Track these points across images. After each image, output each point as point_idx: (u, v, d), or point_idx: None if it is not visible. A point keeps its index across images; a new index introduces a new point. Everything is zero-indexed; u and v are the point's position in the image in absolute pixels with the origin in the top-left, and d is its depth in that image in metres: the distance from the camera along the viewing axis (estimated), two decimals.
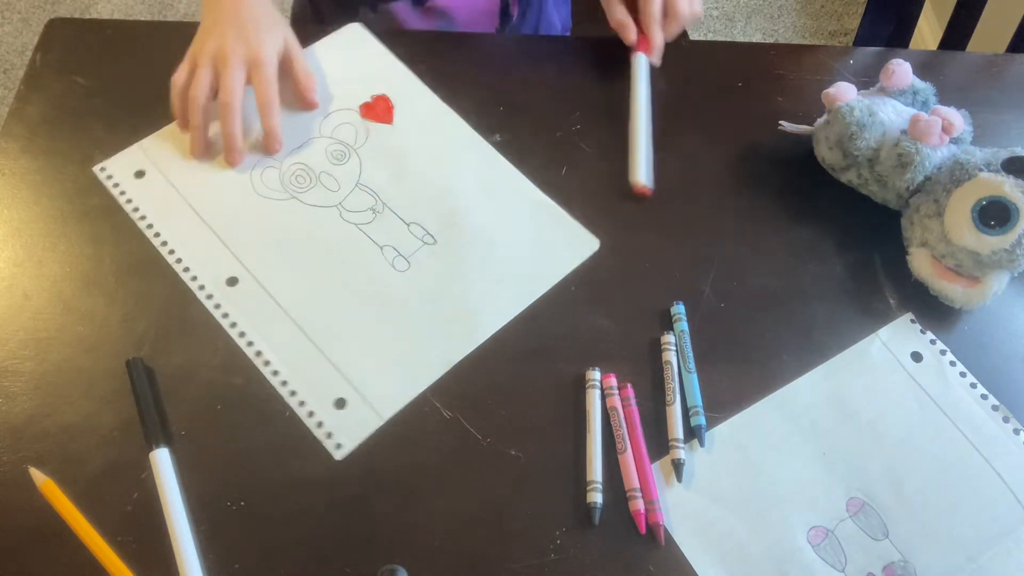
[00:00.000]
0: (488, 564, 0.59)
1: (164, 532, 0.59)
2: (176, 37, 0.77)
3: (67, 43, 0.82)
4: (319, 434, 0.63)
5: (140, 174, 0.74)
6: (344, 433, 0.63)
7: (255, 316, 0.67)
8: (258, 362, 0.65)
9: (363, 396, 0.64)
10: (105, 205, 0.72)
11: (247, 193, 0.73)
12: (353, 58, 0.82)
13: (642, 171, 0.73)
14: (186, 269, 0.69)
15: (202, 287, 0.68)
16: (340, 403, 0.64)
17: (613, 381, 0.65)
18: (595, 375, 0.65)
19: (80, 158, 0.75)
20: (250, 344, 0.66)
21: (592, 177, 0.76)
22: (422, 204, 0.74)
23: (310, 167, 0.75)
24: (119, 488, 0.60)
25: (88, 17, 1.94)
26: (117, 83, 0.79)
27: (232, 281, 0.69)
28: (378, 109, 0.78)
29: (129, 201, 0.72)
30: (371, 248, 0.71)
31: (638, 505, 0.60)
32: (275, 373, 0.65)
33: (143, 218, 0.71)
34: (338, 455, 0.62)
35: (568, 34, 1.10)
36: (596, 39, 0.88)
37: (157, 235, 0.71)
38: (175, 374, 0.65)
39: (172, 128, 0.76)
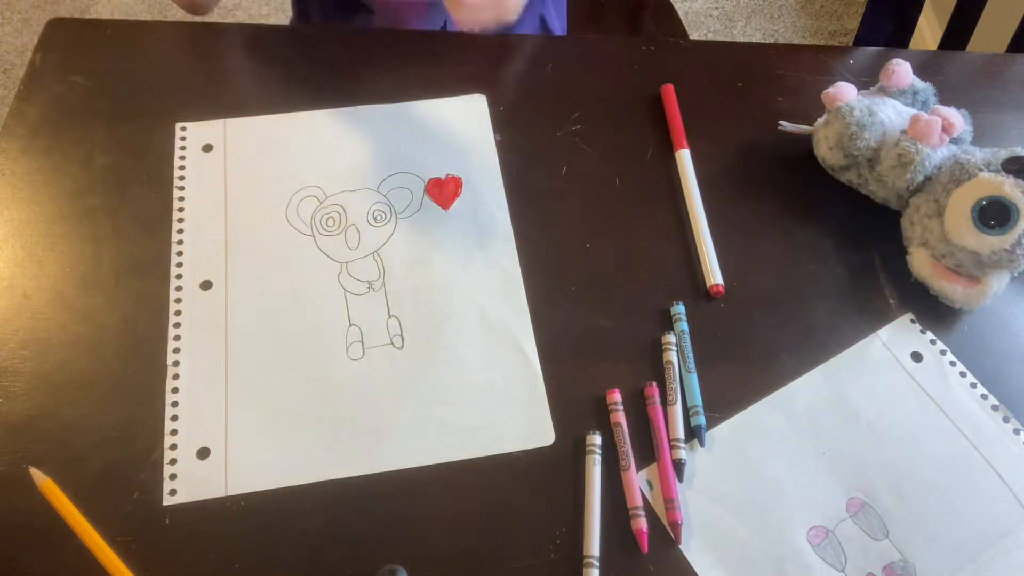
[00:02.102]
0: (488, 564, 0.59)
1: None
2: (176, 37, 0.77)
3: (67, 43, 0.82)
4: (166, 470, 0.60)
5: (208, 148, 0.74)
6: (187, 483, 0.60)
7: (201, 329, 0.66)
8: (169, 371, 0.64)
9: (225, 458, 0.61)
10: (105, 205, 0.72)
11: (278, 213, 0.72)
12: (457, 128, 0.78)
13: (716, 273, 0.70)
14: (179, 264, 0.69)
15: (179, 288, 0.68)
16: (203, 453, 0.61)
17: (617, 396, 0.64)
18: (596, 439, 0.62)
19: (80, 158, 0.75)
20: (176, 351, 0.65)
21: (592, 177, 0.76)
22: (417, 303, 0.68)
23: (346, 214, 0.72)
24: (119, 488, 0.60)
25: (88, 17, 1.94)
26: (117, 83, 0.79)
27: (206, 285, 0.68)
28: (445, 191, 0.74)
29: (182, 168, 0.73)
30: (340, 320, 0.67)
31: (640, 524, 0.59)
32: (175, 390, 0.63)
33: (181, 192, 0.72)
34: (166, 499, 0.59)
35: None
36: (596, 39, 0.88)
37: (181, 220, 0.71)
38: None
39: (258, 121, 0.76)
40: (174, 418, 0.62)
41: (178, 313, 0.67)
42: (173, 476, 0.60)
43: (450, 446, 0.62)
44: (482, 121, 0.79)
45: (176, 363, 0.65)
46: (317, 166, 0.75)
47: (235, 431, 0.62)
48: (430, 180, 0.75)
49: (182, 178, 0.73)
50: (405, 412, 0.64)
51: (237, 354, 0.66)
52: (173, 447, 0.61)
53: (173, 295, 0.68)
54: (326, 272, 0.70)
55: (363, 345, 0.66)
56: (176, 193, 0.73)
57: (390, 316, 0.68)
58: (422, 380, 0.65)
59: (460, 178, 0.75)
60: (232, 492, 0.60)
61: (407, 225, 0.72)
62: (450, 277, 0.70)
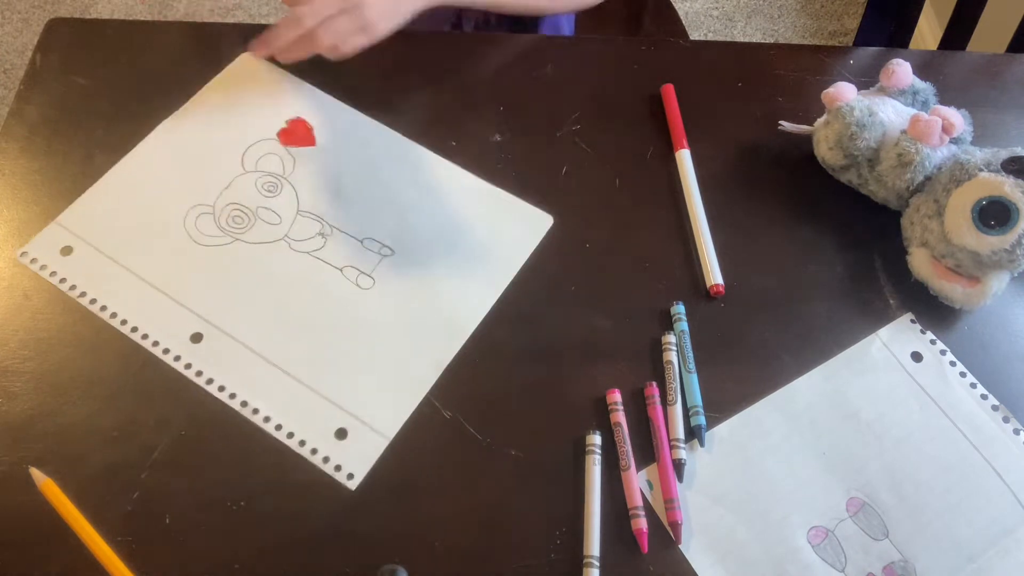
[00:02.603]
0: (488, 564, 0.59)
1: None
2: (176, 37, 0.77)
3: (67, 43, 0.82)
4: (327, 469, 0.61)
5: (67, 250, 0.69)
6: (353, 462, 0.62)
7: (231, 367, 0.65)
8: (246, 412, 0.63)
9: (362, 421, 0.63)
10: None
11: (185, 245, 0.70)
12: (255, 87, 0.79)
13: (716, 273, 0.70)
14: (144, 336, 0.66)
15: (166, 350, 0.65)
16: (341, 433, 0.63)
17: (617, 396, 0.64)
18: (596, 439, 0.63)
19: (80, 158, 0.75)
20: (232, 396, 0.64)
21: (592, 177, 0.76)
22: (370, 218, 0.72)
23: (244, 205, 0.72)
24: (119, 488, 0.60)
25: (88, 17, 1.93)
26: (117, 83, 0.79)
27: (196, 337, 0.66)
28: (298, 133, 0.76)
29: (63, 280, 0.68)
30: (330, 273, 0.69)
31: (640, 524, 0.60)
32: (266, 420, 0.63)
33: (83, 295, 0.67)
34: (352, 485, 0.61)
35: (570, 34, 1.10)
36: (596, 39, 0.88)
37: (104, 308, 0.67)
38: (176, 372, 0.65)
39: (89, 196, 0.72)
40: (290, 435, 0.63)
41: (188, 366, 0.65)
42: (337, 467, 0.62)
43: (490, 283, 0.69)
44: (267, 69, 0.80)
45: (244, 403, 0.64)
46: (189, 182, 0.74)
47: (349, 400, 0.64)
48: (278, 133, 0.76)
49: (73, 287, 0.68)
50: (439, 288, 0.69)
51: (284, 361, 0.66)
52: (302, 444, 0.62)
53: (165, 357, 0.66)
54: (280, 254, 0.71)
55: (366, 274, 0.69)
56: (82, 300, 0.68)
57: (361, 241, 0.71)
58: (429, 258, 0.71)
59: (300, 117, 0.77)
60: (390, 435, 0.63)
61: (299, 177, 0.74)
62: (375, 182, 0.74)
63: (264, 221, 0.72)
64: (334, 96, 0.79)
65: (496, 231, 0.72)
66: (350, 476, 0.61)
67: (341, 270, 0.70)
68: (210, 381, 0.64)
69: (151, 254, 0.70)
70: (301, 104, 0.78)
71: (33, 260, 0.69)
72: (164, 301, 0.68)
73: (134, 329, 0.66)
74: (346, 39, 0.73)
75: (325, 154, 0.76)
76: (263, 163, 0.75)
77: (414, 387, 0.65)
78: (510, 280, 0.70)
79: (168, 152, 0.75)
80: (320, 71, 0.78)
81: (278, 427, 0.63)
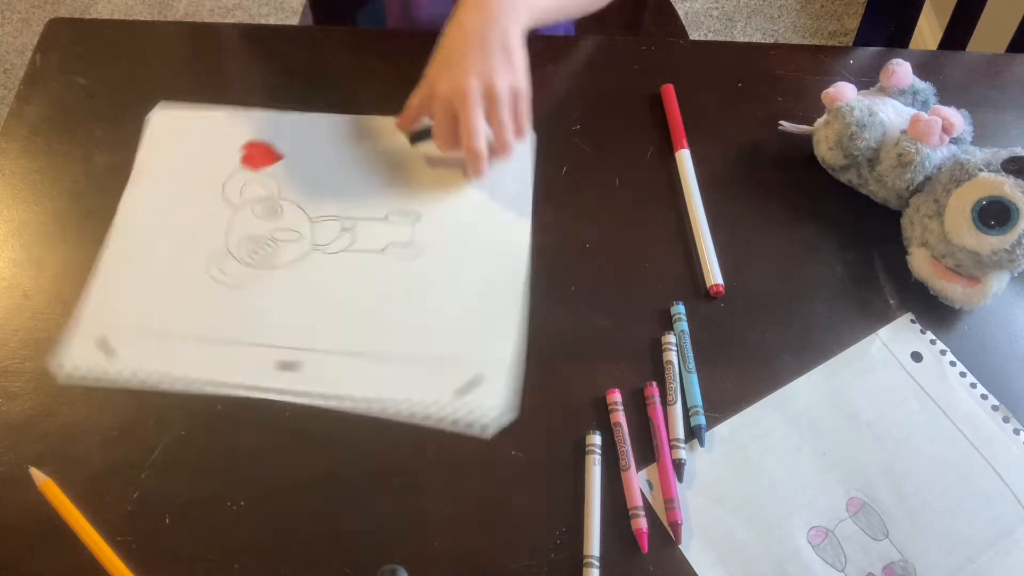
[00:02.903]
0: (488, 564, 0.59)
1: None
2: (176, 37, 0.77)
3: (67, 43, 0.82)
4: (458, 427, 0.63)
5: (108, 350, 0.65)
6: (487, 407, 0.64)
7: (339, 380, 0.65)
8: (359, 407, 0.64)
9: (487, 368, 0.65)
10: (105, 205, 0.72)
11: (219, 292, 0.68)
12: (188, 134, 0.77)
13: (716, 273, 0.70)
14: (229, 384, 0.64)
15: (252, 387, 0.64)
16: (469, 386, 0.65)
17: (617, 396, 0.64)
18: (596, 439, 0.63)
19: (80, 158, 0.75)
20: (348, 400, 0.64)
21: (592, 177, 0.76)
22: (379, 197, 0.74)
23: (256, 236, 0.71)
24: (119, 488, 0.60)
25: (88, 17, 1.93)
26: (117, 83, 0.79)
27: (288, 366, 0.65)
28: (257, 154, 0.75)
29: (119, 375, 0.64)
30: (374, 258, 0.70)
31: (640, 524, 0.60)
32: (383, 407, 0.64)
33: (144, 382, 0.64)
34: (487, 434, 0.63)
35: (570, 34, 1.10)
36: (596, 39, 0.88)
37: (176, 380, 0.64)
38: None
39: (97, 292, 0.68)
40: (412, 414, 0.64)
41: (282, 392, 0.65)
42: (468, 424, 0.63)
43: (519, 213, 0.74)
44: (187, 114, 0.78)
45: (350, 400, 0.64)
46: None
47: (480, 354, 0.66)
48: (240, 163, 0.75)
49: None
50: (478, 227, 0.73)
51: (380, 350, 0.66)
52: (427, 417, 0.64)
53: (250, 393, 0.65)
54: (318, 261, 0.70)
55: (407, 244, 0.71)
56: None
57: (385, 218, 0.72)
58: (454, 209, 0.74)
59: (250, 139, 0.76)
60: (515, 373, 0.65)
61: (289, 192, 0.73)
62: (362, 165, 0.75)
63: (285, 241, 0.71)
64: (299, 109, 0.78)
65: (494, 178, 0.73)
66: (483, 427, 0.63)
67: (382, 250, 0.70)
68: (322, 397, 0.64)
69: (189, 312, 0.67)
70: (244, 128, 0.77)
71: (74, 370, 0.64)
72: (228, 348, 0.66)
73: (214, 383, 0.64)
74: (515, 125, 0.72)
75: (299, 160, 0.75)
76: (247, 191, 0.74)
77: (508, 317, 0.67)
78: (531, 198, 0.74)
79: (148, 219, 0.72)
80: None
81: (399, 407, 0.64)
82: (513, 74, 0.70)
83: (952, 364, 0.68)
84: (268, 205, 0.73)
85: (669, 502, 0.60)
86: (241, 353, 0.66)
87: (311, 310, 0.68)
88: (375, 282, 0.69)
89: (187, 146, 0.76)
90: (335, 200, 0.73)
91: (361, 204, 0.73)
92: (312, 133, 0.77)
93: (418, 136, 0.75)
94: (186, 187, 0.74)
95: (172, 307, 0.68)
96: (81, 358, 0.65)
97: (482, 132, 0.69)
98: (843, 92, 0.72)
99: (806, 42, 1.96)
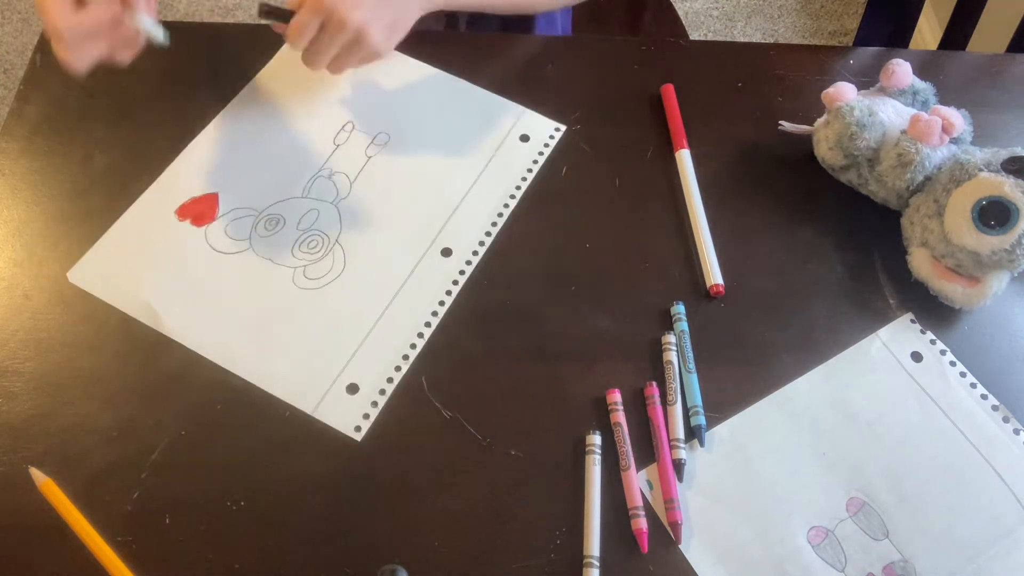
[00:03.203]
0: (488, 564, 0.59)
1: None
2: (176, 37, 0.76)
3: None
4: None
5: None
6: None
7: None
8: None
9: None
10: (106, 205, 0.72)
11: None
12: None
13: (716, 273, 0.70)
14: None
15: None
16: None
17: (617, 396, 0.64)
18: (596, 439, 0.63)
19: (80, 158, 0.75)
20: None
21: (592, 177, 0.76)
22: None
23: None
24: (119, 488, 0.60)
25: None
26: (117, 83, 0.79)
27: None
28: (197, 210, 0.73)
29: None
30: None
31: (640, 524, 0.60)
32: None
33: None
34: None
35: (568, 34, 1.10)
36: (596, 39, 0.88)
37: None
38: (176, 372, 0.65)
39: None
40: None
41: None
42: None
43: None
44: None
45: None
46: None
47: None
48: (176, 213, 0.73)
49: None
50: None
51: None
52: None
53: None
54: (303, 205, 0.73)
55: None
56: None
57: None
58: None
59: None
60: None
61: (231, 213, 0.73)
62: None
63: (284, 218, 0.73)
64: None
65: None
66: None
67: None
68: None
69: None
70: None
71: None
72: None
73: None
74: (357, 66, 0.73)
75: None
76: (234, 227, 0.73)
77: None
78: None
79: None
80: None
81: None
82: (382, 32, 0.71)
83: (952, 364, 0.68)
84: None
85: (669, 502, 0.60)
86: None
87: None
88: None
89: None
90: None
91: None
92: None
93: (271, 13, 0.71)
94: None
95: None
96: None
97: (315, 60, 0.71)
98: (843, 92, 0.72)
99: (806, 42, 1.96)
